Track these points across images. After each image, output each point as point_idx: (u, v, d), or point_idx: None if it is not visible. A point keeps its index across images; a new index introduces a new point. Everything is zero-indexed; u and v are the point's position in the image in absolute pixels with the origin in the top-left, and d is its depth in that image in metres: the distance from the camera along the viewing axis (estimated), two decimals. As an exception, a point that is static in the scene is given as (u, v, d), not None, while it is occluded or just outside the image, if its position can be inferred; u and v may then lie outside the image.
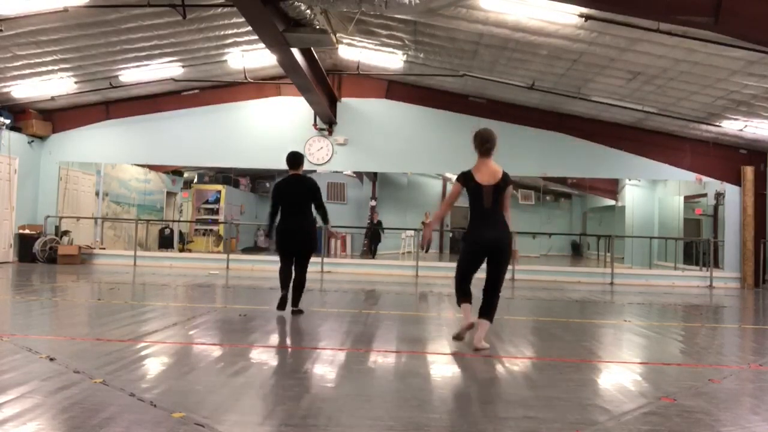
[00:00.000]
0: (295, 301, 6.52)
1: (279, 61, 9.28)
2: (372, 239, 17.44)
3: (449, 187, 20.58)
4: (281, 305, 6.43)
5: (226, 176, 18.59)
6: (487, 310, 4.93)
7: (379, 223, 17.94)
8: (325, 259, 13.26)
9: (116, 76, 11.93)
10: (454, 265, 5.42)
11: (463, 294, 5.06)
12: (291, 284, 6.52)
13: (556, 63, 9.92)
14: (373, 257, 16.80)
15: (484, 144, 4.96)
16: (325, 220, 6.66)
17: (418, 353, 4.86)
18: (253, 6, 7.02)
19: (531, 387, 3.87)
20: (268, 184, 21.48)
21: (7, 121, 12.20)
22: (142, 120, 13.67)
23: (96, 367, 3.90)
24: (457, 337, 5.20)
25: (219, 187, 18.08)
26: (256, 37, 8.67)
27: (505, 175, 4.94)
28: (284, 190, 6.48)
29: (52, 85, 11.93)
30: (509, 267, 5.19)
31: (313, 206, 6.49)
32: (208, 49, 11.10)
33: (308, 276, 6.66)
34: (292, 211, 6.40)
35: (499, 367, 4.43)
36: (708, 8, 5.77)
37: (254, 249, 18.64)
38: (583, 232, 22.98)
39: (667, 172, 13.27)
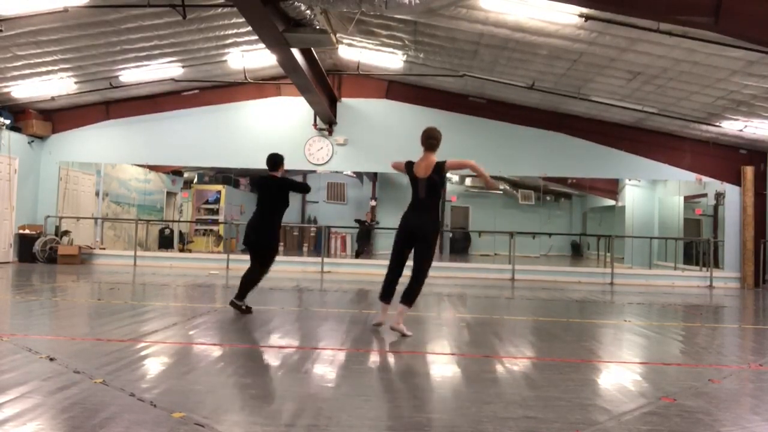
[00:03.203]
0: (239, 295, 6.51)
1: (279, 61, 9.28)
2: (361, 239, 17.14)
3: (449, 187, 20.68)
4: (231, 305, 6.54)
5: (226, 176, 18.59)
6: (407, 295, 5.37)
7: (371, 225, 17.65)
8: (325, 259, 13.26)
9: (116, 76, 11.93)
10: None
11: (384, 293, 5.51)
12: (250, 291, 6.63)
13: (556, 63, 9.92)
14: (358, 256, 16.45)
15: (427, 139, 5.49)
16: (305, 189, 6.96)
17: (418, 353, 4.86)
18: (253, 6, 7.02)
19: (531, 387, 3.87)
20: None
21: (7, 121, 12.21)
22: (142, 120, 13.68)
23: (96, 367, 3.90)
24: (376, 325, 5.64)
25: (219, 187, 18.08)
26: (256, 37, 8.67)
27: (436, 167, 5.35)
28: (259, 188, 6.78)
29: (52, 85, 11.93)
30: (430, 258, 5.50)
31: (282, 206, 6.64)
32: (208, 49, 11.10)
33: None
34: (257, 209, 6.64)
35: (499, 367, 4.43)
36: (708, 8, 5.78)
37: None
38: (583, 232, 22.98)
39: (667, 172, 13.27)
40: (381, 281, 5.62)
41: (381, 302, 5.58)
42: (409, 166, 5.53)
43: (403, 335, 5.33)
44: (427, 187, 5.36)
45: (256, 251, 6.62)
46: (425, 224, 5.35)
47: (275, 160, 6.68)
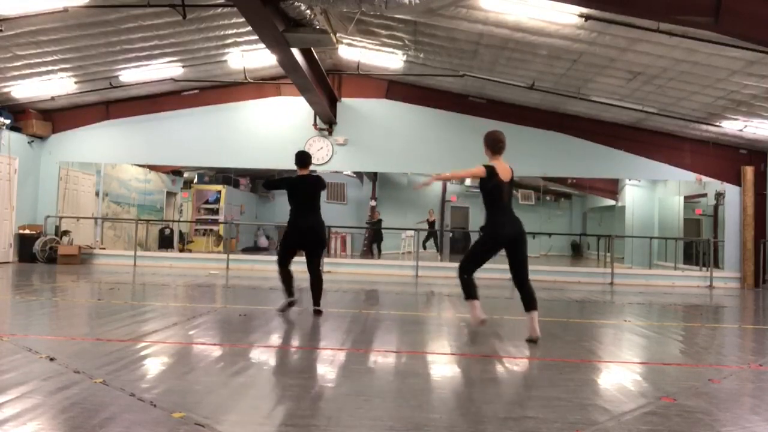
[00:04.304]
0: (316, 301, 6.62)
1: (279, 61, 9.28)
2: (374, 239, 17.39)
3: (449, 187, 20.69)
4: (285, 309, 6.55)
5: (226, 176, 18.59)
6: (530, 302, 5.43)
7: (379, 221, 17.88)
8: (325, 259, 13.24)
9: (116, 76, 11.93)
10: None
11: (473, 291, 5.51)
12: (294, 286, 6.62)
13: (556, 63, 9.92)
14: (379, 256, 16.78)
15: (497, 143, 5.57)
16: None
17: (418, 353, 4.86)
18: (253, 6, 7.02)
19: (531, 387, 3.87)
20: (268, 185, 21.45)
21: (7, 121, 12.21)
22: (142, 120, 13.67)
23: (96, 367, 3.90)
24: (483, 323, 5.54)
25: (219, 187, 18.08)
26: (256, 37, 8.67)
27: (512, 171, 5.62)
28: (293, 189, 6.63)
29: (52, 85, 11.93)
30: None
31: (319, 202, 6.66)
32: (208, 49, 11.10)
33: (308, 276, 6.67)
34: (301, 210, 6.55)
35: (499, 367, 4.43)
36: (708, 8, 5.78)
37: (254, 249, 18.64)
38: (583, 232, 22.98)
39: (667, 172, 13.27)
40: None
41: (476, 301, 5.50)
42: (492, 173, 5.45)
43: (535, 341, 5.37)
44: (509, 192, 5.55)
45: (310, 250, 6.61)
46: (522, 229, 5.50)
47: (301, 157, 6.69)
